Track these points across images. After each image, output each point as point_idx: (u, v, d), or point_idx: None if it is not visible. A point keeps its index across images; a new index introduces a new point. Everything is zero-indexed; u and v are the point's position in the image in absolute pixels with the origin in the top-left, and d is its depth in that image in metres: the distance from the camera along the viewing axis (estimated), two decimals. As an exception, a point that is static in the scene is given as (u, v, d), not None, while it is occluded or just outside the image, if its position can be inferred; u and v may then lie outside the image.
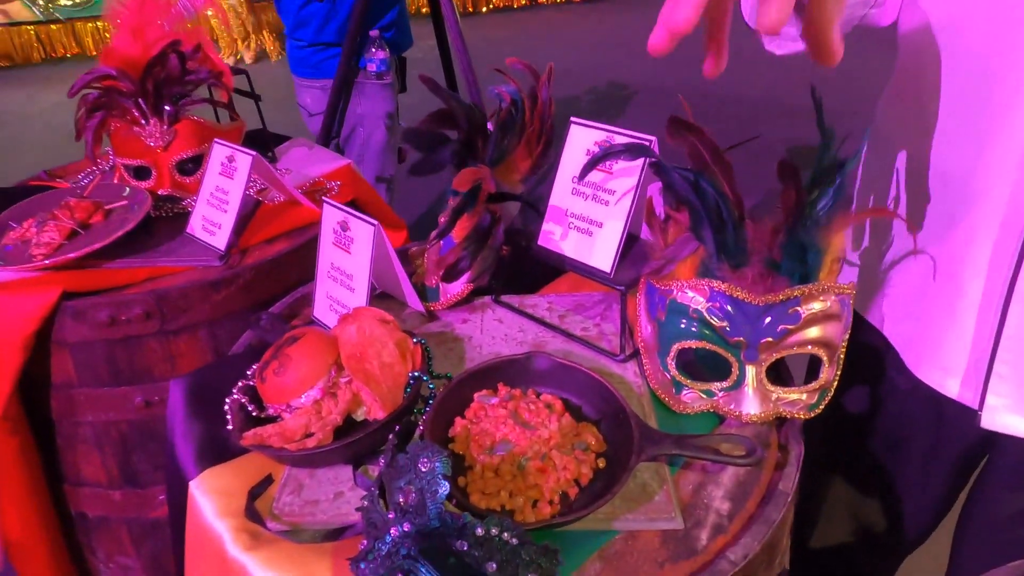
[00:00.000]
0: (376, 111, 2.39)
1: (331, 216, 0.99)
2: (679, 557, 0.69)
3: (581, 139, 0.96)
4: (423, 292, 1.05)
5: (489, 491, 0.72)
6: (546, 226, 1.00)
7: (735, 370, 0.83)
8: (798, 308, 0.79)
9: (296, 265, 1.26)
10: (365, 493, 0.71)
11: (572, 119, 0.98)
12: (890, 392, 0.98)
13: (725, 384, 0.84)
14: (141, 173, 1.41)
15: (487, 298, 1.09)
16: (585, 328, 1.01)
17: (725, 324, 0.81)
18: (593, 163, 0.81)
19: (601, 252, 0.93)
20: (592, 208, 0.94)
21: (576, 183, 0.96)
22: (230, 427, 0.79)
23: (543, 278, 1.14)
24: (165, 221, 1.37)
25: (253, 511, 0.72)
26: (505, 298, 1.08)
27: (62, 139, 1.58)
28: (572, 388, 0.84)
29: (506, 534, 0.61)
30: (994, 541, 0.98)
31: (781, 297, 0.78)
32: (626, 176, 0.91)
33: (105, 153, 1.50)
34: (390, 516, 0.64)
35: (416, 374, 0.80)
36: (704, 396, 0.86)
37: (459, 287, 1.00)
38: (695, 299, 0.82)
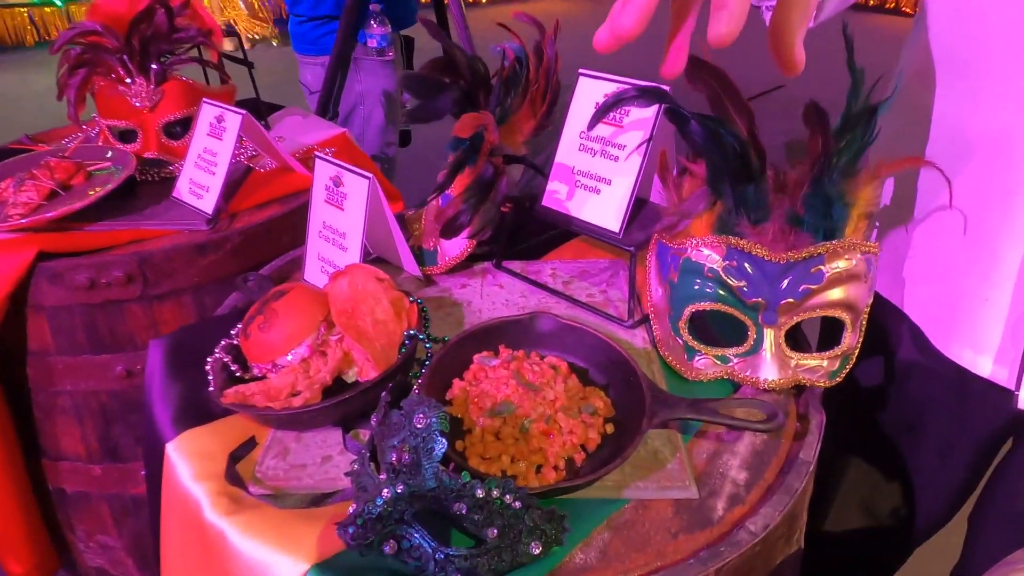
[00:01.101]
0: (376, 89, 2.33)
1: (324, 171, 0.93)
2: (694, 527, 0.64)
3: (590, 92, 0.90)
4: (420, 256, 1.00)
5: (489, 455, 0.66)
6: (551, 185, 0.95)
7: (752, 334, 0.78)
8: (821, 267, 0.74)
9: (288, 230, 1.21)
10: (355, 457, 0.66)
11: (580, 71, 0.92)
12: (910, 370, 0.93)
13: (741, 349, 0.79)
14: (127, 136, 1.35)
15: (487, 264, 1.03)
16: (591, 295, 0.96)
17: (743, 284, 0.76)
18: (604, 110, 0.76)
19: (609, 211, 0.88)
20: (600, 164, 0.89)
21: (584, 138, 0.91)
22: (211, 388, 0.73)
23: (545, 247, 1.09)
24: (151, 186, 1.31)
25: (234, 475, 0.67)
26: (507, 264, 1.02)
27: (55, 123, 1.52)
28: (578, 351, 0.79)
29: (508, 496, 0.56)
30: (1016, 529, 0.93)
31: (803, 254, 0.73)
32: (637, 129, 0.86)
33: (92, 119, 1.44)
34: (381, 477, 0.59)
35: (412, 332, 0.74)
36: (718, 362, 0.80)
37: (458, 248, 0.94)
38: (711, 257, 0.76)
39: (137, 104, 1.29)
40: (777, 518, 0.63)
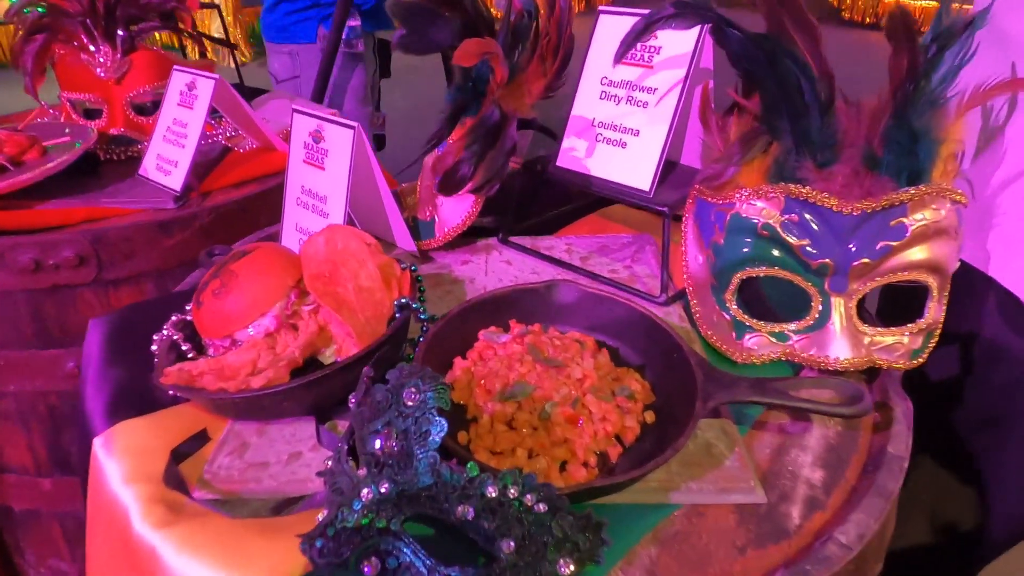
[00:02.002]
0: (344, 83, 2.24)
1: (302, 127, 0.80)
2: (766, 540, 0.50)
3: (612, 30, 0.78)
4: (415, 229, 0.86)
5: (501, 449, 0.52)
6: (566, 142, 0.81)
7: (817, 304, 0.64)
8: (903, 219, 0.60)
9: (267, 210, 1.07)
10: (331, 453, 0.52)
11: (601, 7, 0.80)
12: (997, 350, 0.79)
13: (803, 323, 0.65)
14: (92, 115, 1.22)
15: (492, 239, 0.90)
16: (613, 270, 0.82)
17: (806, 243, 0.62)
18: (636, 35, 0.63)
19: (638, 167, 0.75)
20: (626, 113, 0.76)
21: (606, 84, 0.78)
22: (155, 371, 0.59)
23: (556, 224, 0.95)
24: (116, 165, 1.18)
25: (175, 476, 0.52)
26: (515, 240, 0.89)
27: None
28: (607, 326, 0.65)
29: (530, 497, 0.42)
30: None
31: (883, 203, 0.60)
32: (671, 68, 0.73)
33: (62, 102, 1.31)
34: (361, 473, 0.44)
35: (404, 300, 0.61)
36: (774, 340, 0.67)
37: (459, 216, 0.81)
38: (765, 211, 0.63)
39: (102, 75, 1.16)
40: (874, 527, 0.49)
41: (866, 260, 0.61)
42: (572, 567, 0.43)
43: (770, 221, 0.63)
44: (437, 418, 0.42)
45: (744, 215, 0.64)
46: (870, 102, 0.60)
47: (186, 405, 0.60)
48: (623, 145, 0.76)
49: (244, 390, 0.53)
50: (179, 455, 0.55)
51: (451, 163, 0.68)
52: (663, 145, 0.73)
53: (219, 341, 0.60)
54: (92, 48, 1.15)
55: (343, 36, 2.15)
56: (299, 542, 0.43)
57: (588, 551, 0.44)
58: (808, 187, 0.61)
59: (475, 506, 0.41)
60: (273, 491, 0.52)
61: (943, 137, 0.60)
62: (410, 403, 0.43)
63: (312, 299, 0.61)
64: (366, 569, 0.42)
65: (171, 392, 0.55)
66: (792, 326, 0.66)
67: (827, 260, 0.62)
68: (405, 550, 0.43)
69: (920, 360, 0.65)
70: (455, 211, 0.81)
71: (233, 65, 1.40)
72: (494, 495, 0.41)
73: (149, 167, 1.10)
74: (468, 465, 0.41)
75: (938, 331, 0.66)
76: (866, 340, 0.64)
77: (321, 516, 0.45)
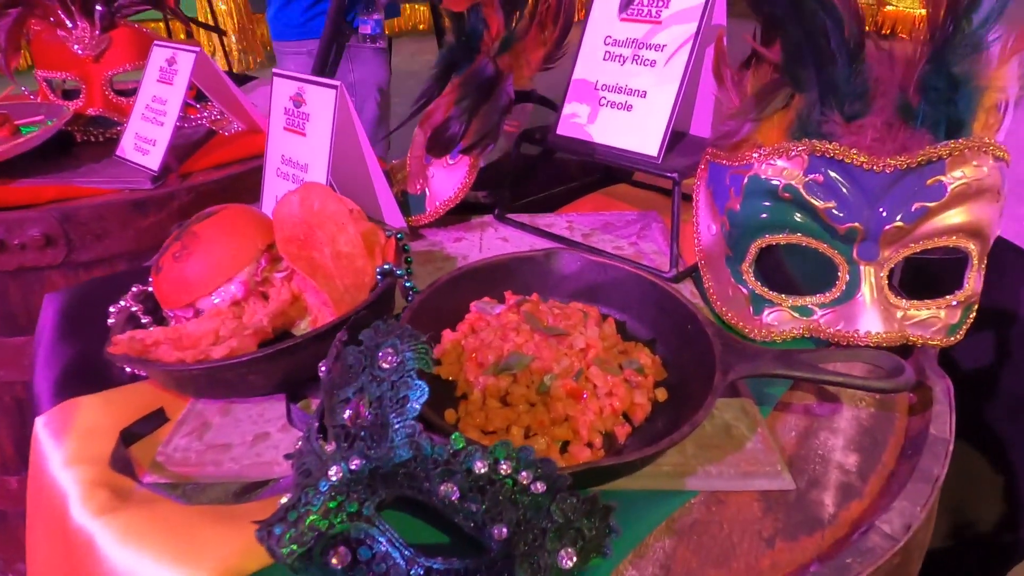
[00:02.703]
0: (369, 79, 2.16)
1: (282, 91, 0.74)
2: (797, 530, 0.43)
3: (617, -15, 0.72)
4: (405, 204, 0.81)
5: (494, 428, 0.46)
6: (567, 108, 0.76)
7: (844, 275, 0.58)
8: (941, 177, 0.54)
9: (248, 190, 1.01)
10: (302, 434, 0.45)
11: (604, -39, 0.74)
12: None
13: (829, 296, 0.59)
14: (70, 95, 1.16)
15: (488, 216, 0.84)
16: (618, 247, 0.76)
17: (832, 205, 0.56)
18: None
19: (644, 131, 0.69)
20: (632, 74, 0.70)
21: (610, 44, 0.72)
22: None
23: (555, 204, 0.89)
24: (94, 147, 1.12)
25: (122, 458, 0.46)
26: (512, 216, 0.83)
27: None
28: (613, 298, 0.59)
29: (526, 474, 0.35)
30: None
31: (919, 159, 0.54)
32: (681, 23, 0.67)
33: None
34: (328, 449, 0.38)
35: (388, 267, 0.54)
36: (797, 315, 0.60)
37: (451, 188, 0.75)
38: (787, 172, 0.57)
39: (79, 52, 1.11)
40: (921, 515, 0.43)
41: (899, 224, 0.55)
42: (575, 559, 0.36)
43: (792, 182, 0.57)
44: (417, 382, 0.36)
45: (763, 176, 0.58)
46: (904, 46, 0.55)
47: (144, 383, 0.54)
48: (628, 108, 0.70)
49: (203, 361, 0.47)
50: (130, 436, 0.48)
51: (440, 120, 0.62)
52: (672, 106, 0.67)
53: (180, 311, 0.54)
54: (69, 24, 1.10)
55: (370, 31, 2.08)
56: (256, 530, 0.37)
57: (593, 540, 0.38)
58: (835, 143, 0.55)
59: (460, 484, 0.35)
60: (234, 475, 0.46)
61: (985, 85, 0.54)
62: (386, 366, 0.37)
63: (285, 265, 0.55)
64: (333, 561, 0.36)
65: (123, 366, 0.48)
66: (817, 299, 0.60)
67: (856, 224, 0.56)
68: (380, 538, 0.37)
69: (958, 337, 0.59)
70: (447, 183, 0.75)
71: (224, 51, 1.35)
72: (483, 471, 0.35)
73: (127, 147, 1.04)
74: (452, 436, 0.35)
75: (976, 304, 0.59)
76: (898, 314, 0.58)
77: (285, 500, 0.39)
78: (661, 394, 0.51)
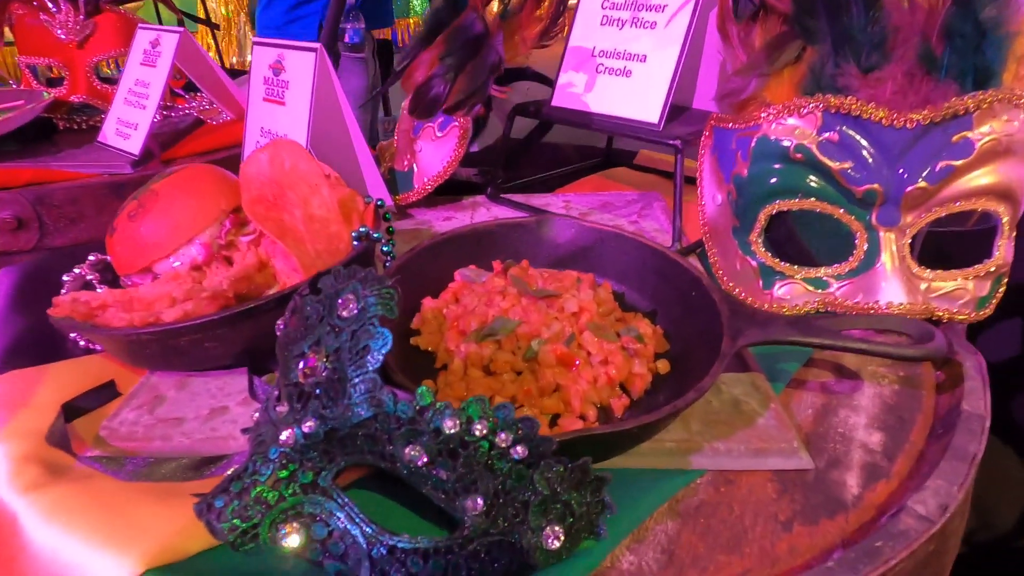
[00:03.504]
0: (350, 87, 2.13)
1: (262, 60, 0.70)
2: (817, 513, 0.38)
3: (614, -54, 0.68)
4: (392, 183, 0.76)
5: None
6: (563, 78, 0.71)
7: (862, 243, 0.54)
8: (968, 133, 0.50)
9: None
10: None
11: (601, -78, 0.70)
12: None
13: (846, 266, 0.54)
14: (54, 83, 1.13)
15: (480, 196, 0.79)
16: (617, 227, 0.71)
17: (848, 166, 0.52)
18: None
19: (645, 97, 0.64)
20: (631, 38, 0.66)
21: (607, 7, 0.68)
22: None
23: (550, 187, 0.85)
24: (77, 134, 1.08)
25: (61, 433, 0.41)
26: (506, 196, 0.78)
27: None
28: (609, 267, 0.54)
29: (504, 436, 0.31)
30: None
31: (943, 113, 0.49)
32: (683, -20, 0.63)
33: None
34: (280, 411, 0.33)
35: (364, 229, 0.50)
36: (811, 288, 0.56)
37: (440, 163, 0.71)
38: (799, 131, 0.53)
39: (63, 37, 1.07)
40: (958, 495, 0.38)
41: (923, 184, 0.51)
42: (563, 538, 0.31)
43: (804, 142, 0.52)
44: (379, 329, 0.31)
45: (773, 137, 0.54)
46: (925, -10, 0.50)
47: (97, 356, 0.49)
48: (627, 74, 0.66)
49: (154, 325, 0.42)
50: (74, 410, 0.44)
51: (423, 78, 0.58)
52: (674, 70, 0.63)
53: (137, 277, 0.49)
54: (52, 7, 1.06)
55: (348, 40, 2.05)
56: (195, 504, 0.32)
57: (584, 518, 0.33)
58: (851, 97, 0.51)
59: (427, 447, 0.30)
60: (185, 451, 0.41)
61: (1016, 30, 0.49)
62: (345, 314, 0.32)
63: (252, 228, 0.50)
64: (283, 538, 0.31)
65: (66, 331, 0.44)
66: (832, 270, 0.55)
67: (875, 186, 0.51)
68: (338, 513, 0.32)
69: (987, 311, 0.54)
70: (435, 157, 0.71)
71: (216, 46, 1.32)
72: (453, 431, 0.30)
73: (109, 132, 1.01)
74: (419, 391, 0.30)
75: (1006, 275, 0.55)
76: (922, 286, 0.53)
77: (231, 471, 0.34)
78: (663, 366, 0.46)
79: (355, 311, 0.32)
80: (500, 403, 0.30)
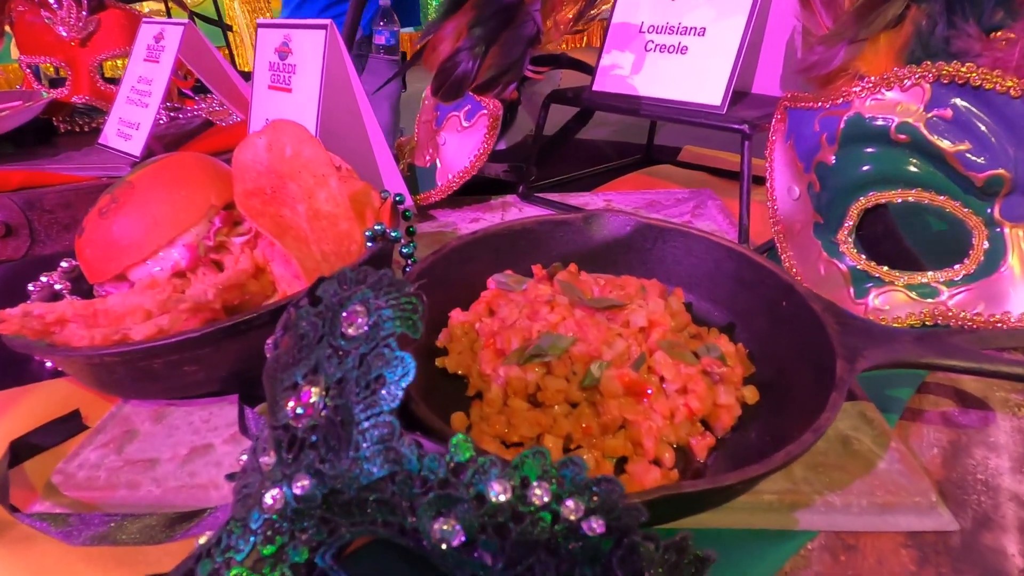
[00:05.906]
0: (381, 91, 2.08)
1: (267, 43, 0.62)
2: (976, 594, 0.29)
3: (666, -93, 0.60)
4: (412, 181, 0.68)
5: (520, 437, 0.32)
6: (605, 59, 0.63)
7: (982, 241, 0.44)
8: (1118, 106, 0.40)
9: (240, 179, 0.89)
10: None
11: None
12: None
13: (959, 271, 0.45)
14: (57, 84, 1.07)
15: (510, 196, 0.71)
16: (684, 223, 0.62)
17: (965, 147, 0.42)
18: None
19: (704, 77, 0.56)
20: (686, 7, 0.57)
21: (658, -24, 0.60)
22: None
23: (588, 186, 0.76)
24: (78, 137, 1.02)
25: (2, 480, 0.33)
26: (539, 195, 0.70)
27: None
28: (674, 272, 0.45)
29: (573, 504, 0.22)
30: None
31: (1089, 80, 0.40)
32: (749, -60, 0.54)
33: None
34: (265, 462, 0.25)
35: (380, 227, 0.42)
36: (915, 296, 0.46)
37: (466, 158, 0.62)
38: (901, 107, 0.44)
39: (65, 35, 1.02)
40: None
41: (1061, 169, 0.41)
42: (653, 643, 0.22)
43: (909, 120, 0.43)
44: (397, 354, 0.22)
45: (868, 115, 0.45)
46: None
47: (62, 380, 0.41)
48: (683, 51, 0.57)
49: (120, 344, 0.34)
50: (24, 448, 0.36)
51: (448, 52, 0.50)
52: (741, 42, 0.54)
53: (111, 286, 0.41)
54: (54, 4, 1.01)
55: (384, 42, 2.00)
56: (152, 588, 0.24)
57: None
58: (969, 64, 0.42)
59: (466, 521, 0.21)
60: (155, 502, 0.32)
61: None
62: (352, 332, 0.23)
63: (248, 227, 0.42)
64: (265, 641, 0.23)
65: (16, 350, 0.36)
66: (942, 275, 0.46)
67: (1000, 171, 0.42)
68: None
69: None
70: (460, 151, 0.63)
71: (227, 46, 1.26)
72: (503, 499, 0.21)
73: (110, 134, 0.94)
74: (453, 441, 0.21)
75: None
76: (1057, 293, 0.44)
77: (203, 541, 0.25)
78: (751, 394, 0.36)
79: (365, 328, 0.23)
80: (567, 458, 0.22)
